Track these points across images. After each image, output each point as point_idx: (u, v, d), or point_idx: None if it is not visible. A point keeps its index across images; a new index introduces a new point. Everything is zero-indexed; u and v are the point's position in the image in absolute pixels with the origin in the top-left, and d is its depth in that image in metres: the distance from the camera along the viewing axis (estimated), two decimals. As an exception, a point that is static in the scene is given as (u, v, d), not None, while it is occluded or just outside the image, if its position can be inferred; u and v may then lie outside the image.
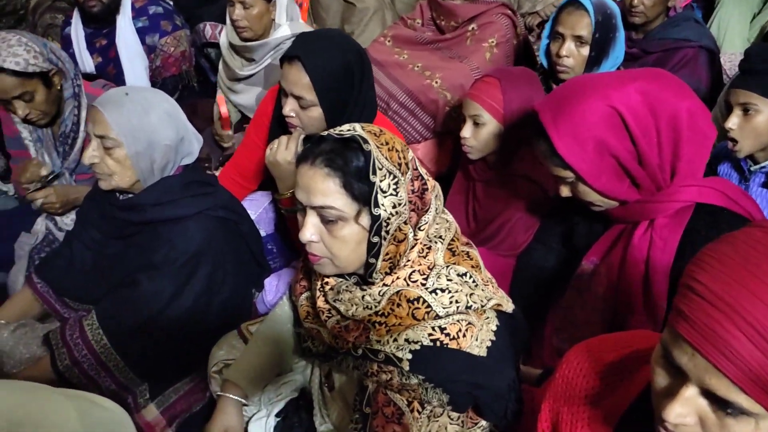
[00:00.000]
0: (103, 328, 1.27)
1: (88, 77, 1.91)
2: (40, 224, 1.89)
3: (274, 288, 1.58)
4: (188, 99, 2.65)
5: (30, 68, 1.59)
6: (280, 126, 1.62)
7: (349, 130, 0.95)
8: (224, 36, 2.29)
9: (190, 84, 2.70)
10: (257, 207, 1.89)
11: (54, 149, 1.82)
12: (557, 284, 1.49)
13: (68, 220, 1.86)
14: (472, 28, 2.17)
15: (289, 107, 1.49)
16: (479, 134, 1.53)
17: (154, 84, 2.58)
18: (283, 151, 1.48)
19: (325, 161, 0.91)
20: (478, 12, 2.14)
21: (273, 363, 1.27)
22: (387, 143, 0.95)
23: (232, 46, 2.24)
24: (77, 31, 2.52)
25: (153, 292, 1.30)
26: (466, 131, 1.54)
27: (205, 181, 1.42)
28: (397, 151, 0.96)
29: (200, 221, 1.34)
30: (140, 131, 1.29)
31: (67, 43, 2.56)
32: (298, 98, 1.47)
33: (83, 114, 1.77)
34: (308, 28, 2.16)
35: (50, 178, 1.77)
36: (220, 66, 2.41)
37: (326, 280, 1.06)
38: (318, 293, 1.08)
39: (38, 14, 2.81)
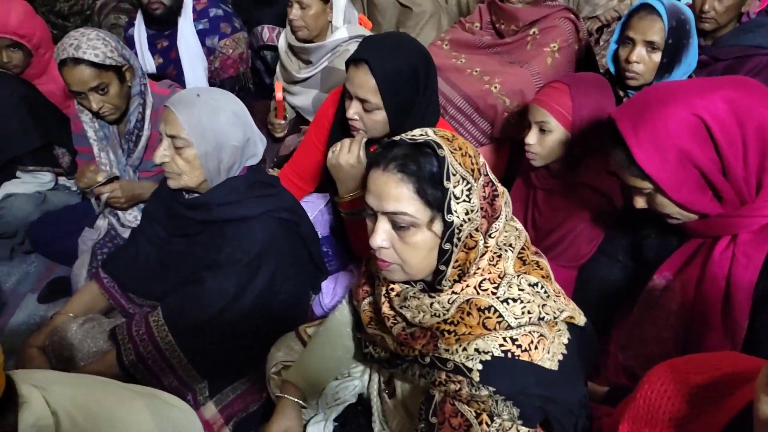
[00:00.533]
0: (168, 325, 1.29)
1: (154, 77, 1.95)
2: (103, 220, 1.95)
3: (330, 291, 1.58)
4: (244, 100, 2.64)
5: (107, 61, 1.64)
6: (341, 129, 1.62)
7: (421, 134, 0.93)
8: (283, 38, 2.31)
9: (247, 86, 2.75)
10: (313, 209, 1.90)
11: (119, 146, 1.87)
12: (622, 299, 1.44)
13: (130, 217, 1.91)
14: (534, 32, 2.12)
15: (353, 110, 1.49)
16: (545, 141, 1.49)
17: (212, 85, 2.63)
18: (346, 153, 1.48)
19: (398, 166, 0.90)
20: (540, 16, 2.10)
21: (332, 367, 1.27)
22: (460, 148, 0.93)
23: (290, 48, 2.26)
24: (140, 32, 2.59)
25: (217, 290, 1.31)
26: (532, 138, 1.50)
27: (269, 182, 1.43)
28: (469, 156, 0.94)
29: (264, 222, 1.35)
30: (210, 132, 1.30)
31: (130, 44, 2.64)
32: (362, 101, 1.46)
33: (148, 112, 1.81)
34: (366, 32, 2.16)
35: (106, 182, 1.81)
36: (278, 68, 2.43)
37: (392, 286, 1.05)
38: (383, 299, 1.07)
39: (103, 15, 2.91)
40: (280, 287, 1.39)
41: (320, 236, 1.83)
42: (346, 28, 2.10)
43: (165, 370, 1.30)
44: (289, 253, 1.41)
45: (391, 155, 0.91)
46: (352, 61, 1.46)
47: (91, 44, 1.62)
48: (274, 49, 2.85)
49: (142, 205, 1.91)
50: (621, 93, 1.80)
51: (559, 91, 1.47)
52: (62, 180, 2.17)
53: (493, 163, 2.16)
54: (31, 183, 2.04)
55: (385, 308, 1.06)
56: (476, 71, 2.16)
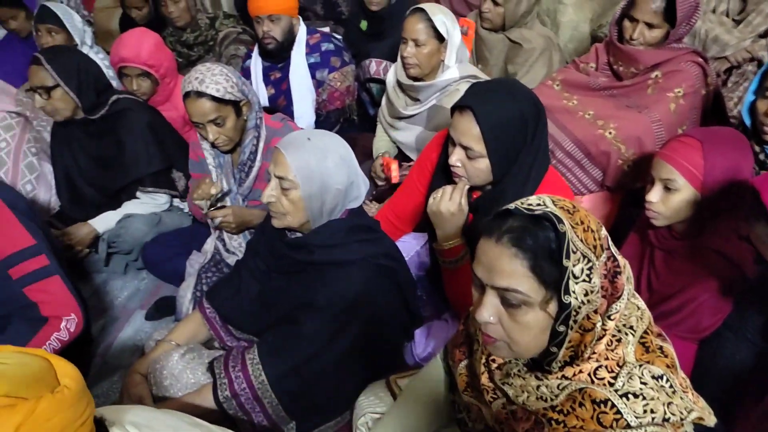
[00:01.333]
0: (263, 364, 1.30)
1: (267, 110, 2.02)
2: (210, 244, 2.03)
3: (423, 341, 1.54)
4: (348, 131, 2.74)
5: (227, 96, 1.72)
6: (443, 174, 1.58)
7: (539, 205, 0.87)
8: (391, 73, 2.32)
9: (351, 117, 2.79)
10: (410, 249, 1.87)
11: (232, 175, 1.94)
12: (751, 384, 1.28)
13: (235, 243, 1.98)
14: (656, 76, 1.98)
15: (456, 157, 1.45)
16: (670, 201, 1.36)
17: (318, 116, 2.70)
18: (447, 201, 1.44)
19: (513, 240, 0.84)
20: (665, 59, 1.95)
21: (422, 426, 1.21)
22: (581, 222, 0.86)
23: (398, 83, 2.26)
24: (256, 64, 2.71)
25: (312, 333, 1.31)
26: (654, 195, 1.38)
27: (369, 227, 1.42)
28: (592, 231, 0.86)
29: (363, 268, 1.34)
30: (316, 174, 1.31)
31: (246, 75, 2.78)
32: (466, 148, 1.42)
33: (261, 145, 1.88)
34: (477, 72, 2.12)
35: (219, 196, 1.90)
36: (383, 102, 2.45)
37: (493, 356, 0.98)
38: (482, 368, 1.01)
39: (224, 45, 3.08)
40: (373, 334, 1.37)
41: (414, 278, 1.80)
42: (457, 68, 2.07)
43: (256, 408, 1.31)
44: (385, 300, 1.39)
45: (506, 226, 0.86)
46: (458, 108, 1.43)
47: (214, 79, 1.71)
48: (381, 81, 2.89)
49: (248, 234, 1.98)
50: (757, 148, 1.63)
51: (689, 147, 1.35)
52: (176, 202, 2.30)
53: (602, 212, 2.03)
54: (149, 203, 2.18)
55: (484, 379, 0.99)
56: (589, 114, 2.05)
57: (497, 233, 0.86)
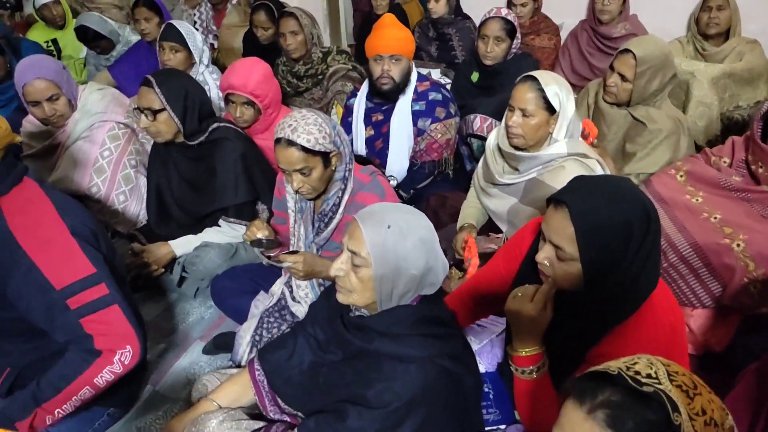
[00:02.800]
0: (300, 453, 1.19)
1: (359, 159, 1.95)
2: (278, 287, 1.98)
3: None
4: (441, 185, 2.62)
5: (317, 147, 1.66)
6: (533, 267, 1.41)
7: (650, 376, 0.69)
8: (493, 136, 2.17)
9: (446, 171, 2.67)
10: (483, 336, 1.71)
11: (311, 223, 1.88)
12: None
13: (302, 293, 1.91)
14: (804, 187, 1.70)
15: (545, 254, 1.28)
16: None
17: (412, 165, 2.61)
18: (528, 303, 1.27)
19: (609, 419, 0.67)
20: (819, 169, 1.68)
21: None
22: (703, 412, 0.67)
23: (498, 148, 2.11)
24: (360, 103, 2.68)
25: (357, 430, 1.18)
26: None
27: (441, 320, 1.28)
28: (715, 426, 0.67)
29: (424, 367, 1.20)
30: (392, 255, 1.20)
31: (348, 112, 2.75)
32: (556, 247, 1.24)
33: (345, 198, 1.80)
34: (588, 150, 1.92)
35: (264, 242, 1.80)
36: (480, 164, 2.30)
37: None
38: None
39: (333, 80, 3.08)
40: (424, 440, 1.22)
41: (484, 370, 1.63)
42: (566, 143, 1.89)
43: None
44: (445, 406, 1.23)
45: (602, 397, 0.69)
46: (553, 201, 1.26)
47: (307, 129, 1.65)
48: (484, 138, 2.75)
49: (316, 286, 1.90)
50: None
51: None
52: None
53: (713, 332, 1.76)
54: (228, 233, 2.17)
55: None
56: (715, 218, 1.79)
57: (590, 403, 0.70)
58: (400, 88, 2.49)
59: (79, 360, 1.38)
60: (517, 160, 1.97)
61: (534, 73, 1.88)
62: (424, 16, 4.08)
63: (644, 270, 1.25)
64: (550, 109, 1.86)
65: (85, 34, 3.44)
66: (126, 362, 1.45)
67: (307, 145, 1.65)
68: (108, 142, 2.26)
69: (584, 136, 2.21)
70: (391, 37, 2.42)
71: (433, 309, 1.28)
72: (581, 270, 1.22)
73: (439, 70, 3.83)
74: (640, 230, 1.19)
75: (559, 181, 1.87)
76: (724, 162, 1.92)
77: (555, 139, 1.91)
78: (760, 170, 1.79)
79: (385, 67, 2.43)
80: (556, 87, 1.84)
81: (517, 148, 1.96)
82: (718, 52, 3.06)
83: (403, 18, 4.49)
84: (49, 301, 1.33)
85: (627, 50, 2.20)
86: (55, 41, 3.84)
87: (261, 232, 1.78)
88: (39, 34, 3.88)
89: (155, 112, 2.00)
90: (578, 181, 1.26)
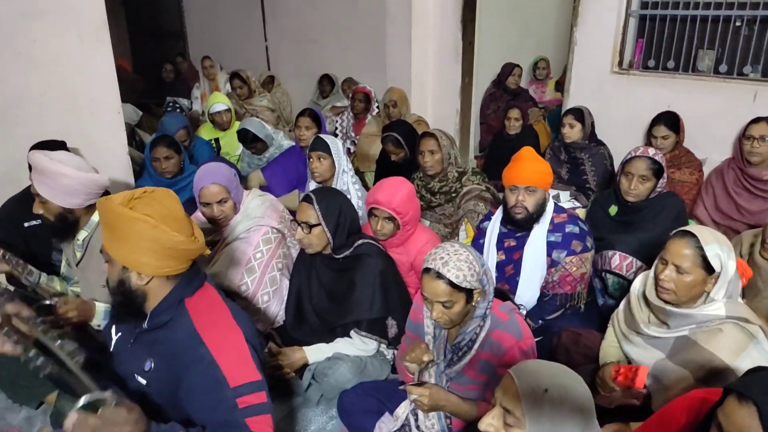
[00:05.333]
0: None
1: (497, 294, 1.95)
2: (403, 410, 1.97)
3: None
4: (572, 319, 2.54)
5: (464, 284, 1.70)
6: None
7: None
8: (639, 282, 2.09)
9: (578, 304, 2.59)
10: None
11: (444, 352, 1.89)
12: None
13: (429, 423, 1.89)
14: None
15: None
16: None
17: (543, 295, 2.56)
18: None
19: None
20: None
21: None
22: None
23: (644, 297, 2.03)
24: (494, 226, 2.71)
25: None
26: None
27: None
28: None
29: None
30: (547, 420, 1.17)
31: (481, 234, 2.79)
32: None
33: (482, 334, 1.80)
34: (750, 314, 1.79)
35: (429, 365, 1.84)
36: (621, 306, 2.21)
37: None
38: None
39: (465, 199, 3.18)
40: None
41: None
42: (724, 304, 1.78)
43: None
44: None
45: None
46: (736, 393, 1.17)
47: (458, 265, 1.70)
48: (620, 276, 2.67)
49: (443, 417, 1.87)
50: None
51: None
52: (383, 347, 2.32)
53: None
54: (359, 346, 2.23)
55: None
56: None
57: None
58: (534, 217, 2.51)
59: None
60: (668, 315, 1.88)
61: (692, 228, 1.82)
62: (554, 138, 4.16)
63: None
64: (709, 269, 1.78)
65: (245, 136, 3.87)
66: None
67: (455, 281, 1.69)
68: (261, 245, 2.46)
69: None
70: (530, 170, 2.48)
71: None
72: None
73: (568, 193, 3.84)
74: None
75: (715, 344, 1.77)
76: None
77: (712, 299, 1.81)
78: None
79: (519, 198, 2.48)
80: (717, 247, 1.76)
81: (666, 302, 1.88)
82: None
83: (534, 139, 4.61)
84: (221, 398, 1.42)
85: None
86: (217, 140, 4.34)
87: (428, 356, 1.81)
88: (206, 132, 4.42)
89: (311, 226, 2.16)
90: (763, 374, 1.17)
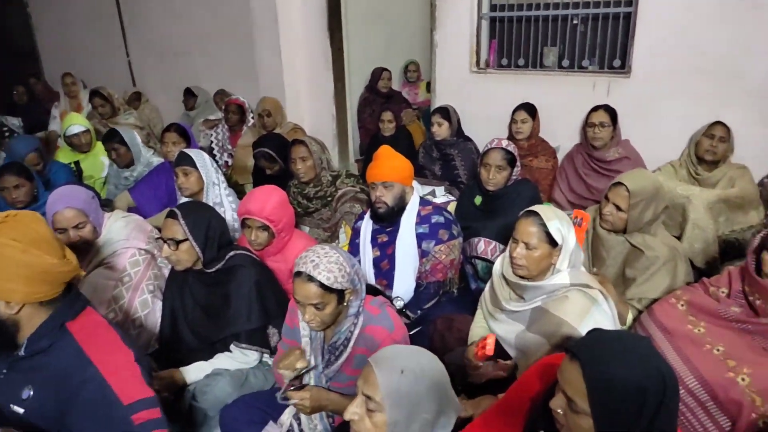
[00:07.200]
0: None
1: (370, 290, 2.01)
2: (287, 417, 1.98)
3: None
4: (447, 306, 2.67)
5: (335, 285, 1.73)
6: (544, 414, 1.43)
7: None
8: (498, 263, 2.26)
9: (451, 290, 2.74)
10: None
11: (321, 353, 1.92)
12: None
13: (312, 425, 1.91)
14: (803, 322, 1.76)
15: (558, 403, 1.29)
16: None
17: (418, 285, 2.67)
18: None
19: None
20: (814, 304, 1.74)
21: None
22: None
23: (504, 276, 2.19)
24: (367, 226, 2.80)
25: None
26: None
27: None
28: None
29: None
30: (405, 400, 1.24)
31: (355, 234, 2.87)
32: (569, 399, 1.26)
33: (356, 332, 1.85)
34: (590, 280, 1.99)
35: (303, 371, 1.86)
36: (487, 288, 2.37)
37: None
38: None
39: (342, 202, 3.24)
40: None
41: None
42: (568, 273, 1.98)
43: None
44: None
45: None
46: (568, 353, 1.30)
47: (329, 267, 1.73)
48: (487, 260, 2.85)
49: (325, 417, 1.90)
50: None
51: None
52: (266, 357, 2.30)
53: (729, 470, 1.73)
54: (239, 359, 2.20)
55: None
56: (718, 350, 1.83)
57: None
58: (395, 211, 2.63)
59: None
60: (523, 289, 2.05)
61: (536, 208, 2.00)
62: (427, 137, 4.35)
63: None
64: (553, 242, 1.96)
65: (111, 133, 3.66)
66: None
67: (326, 282, 1.73)
68: (129, 268, 2.35)
69: (577, 224, 2.32)
70: (385, 166, 2.61)
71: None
72: (593, 426, 1.22)
73: (443, 188, 4.02)
74: (654, 398, 1.17)
75: (563, 310, 1.94)
76: (723, 292, 1.99)
77: (558, 270, 2.00)
78: (758, 302, 1.85)
79: (378, 194, 2.60)
80: (557, 222, 1.95)
81: (521, 277, 2.04)
82: (711, 176, 3.22)
83: (408, 139, 4.78)
84: (116, 416, 1.37)
85: (620, 183, 2.35)
86: (77, 163, 4.07)
87: (301, 362, 1.82)
88: (64, 155, 4.13)
89: (178, 242, 2.10)
90: (596, 336, 1.27)
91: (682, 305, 2.03)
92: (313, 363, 1.92)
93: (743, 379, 1.71)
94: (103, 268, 2.34)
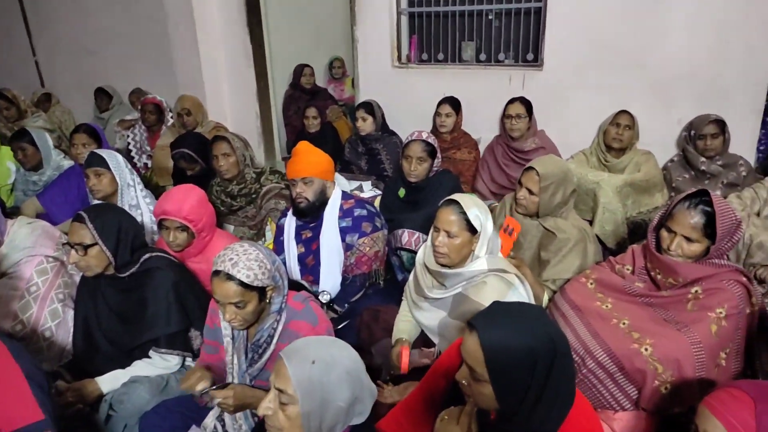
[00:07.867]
0: None
1: (292, 284, 1.99)
2: (210, 419, 1.93)
3: None
4: (374, 298, 2.69)
5: (255, 282, 1.70)
6: (455, 392, 1.47)
7: None
8: (421, 253, 2.30)
9: (377, 282, 2.76)
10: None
11: (244, 352, 1.88)
12: None
13: (236, 425, 1.88)
14: (696, 291, 1.89)
15: (462, 374, 1.33)
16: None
17: (344, 279, 2.68)
18: (454, 426, 1.32)
19: None
20: (705, 275, 1.87)
21: None
22: None
23: (426, 264, 2.23)
24: (290, 222, 2.77)
25: None
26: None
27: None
28: None
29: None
30: (317, 390, 1.24)
31: (280, 231, 2.83)
32: (470, 369, 1.31)
33: (279, 328, 1.83)
34: (507, 266, 2.07)
35: (219, 387, 1.78)
36: (411, 278, 2.41)
37: None
38: None
39: (266, 199, 3.19)
40: None
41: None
42: (486, 259, 2.04)
43: None
44: None
45: None
46: (468, 325, 1.35)
47: (248, 264, 1.69)
48: (412, 251, 2.89)
49: (250, 417, 1.87)
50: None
51: (740, 402, 1.19)
52: (189, 361, 2.24)
53: (636, 434, 1.85)
54: (159, 365, 2.12)
55: None
56: (624, 323, 1.94)
57: None
58: (315, 206, 2.63)
59: None
60: (443, 276, 2.09)
61: (455, 197, 2.05)
62: (353, 132, 4.36)
63: (559, 394, 1.29)
64: (472, 230, 2.01)
65: (20, 136, 3.44)
66: None
67: (246, 280, 1.69)
68: (36, 276, 2.21)
69: (509, 232, 2.39)
70: (303, 162, 2.59)
71: (363, 438, 1.31)
72: (493, 392, 1.28)
73: (370, 182, 4.04)
74: (545, 360, 1.23)
75: (482, 295, 2.00)
76: (627, 269, 2.11)
77: (477, 256, 2.05)
78: (659, 276, 1.98)
79: (298, 190, 2.59)
80: (476, 210, 2.01)
81: (443, 265, 2.09)
82: (618, 162, 3.42)
83: (334, 135, 4.77)
84: None
85: (531, 168, 2.45)
86: (-20, 169, 3.81)
87: (201, 384, 1.76)
88: (-36, 161, 3.84)
89: (86, 247, 2.00)
90: (493, 308, 1.34)
91: (591, 283, 2.14)
92: (237, 364, 1.88)
93: (646, 350, 1.82)
94: (6, 279, 2.20)
